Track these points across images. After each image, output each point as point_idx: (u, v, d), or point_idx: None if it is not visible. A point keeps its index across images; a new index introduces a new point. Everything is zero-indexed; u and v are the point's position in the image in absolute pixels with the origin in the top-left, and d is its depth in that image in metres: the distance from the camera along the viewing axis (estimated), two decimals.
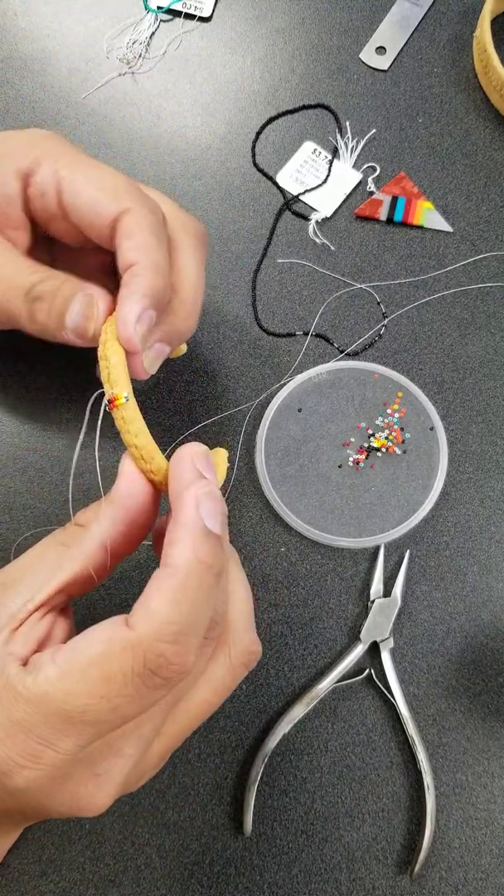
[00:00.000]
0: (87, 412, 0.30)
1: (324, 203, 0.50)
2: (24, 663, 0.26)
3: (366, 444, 0.45)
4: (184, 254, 0.36)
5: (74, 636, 0.26)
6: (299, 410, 0.46)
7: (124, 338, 0.31)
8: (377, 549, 0.44)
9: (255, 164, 0.51)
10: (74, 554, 0.28)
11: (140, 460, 0.30)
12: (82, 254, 0.38)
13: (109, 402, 0.30)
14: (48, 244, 0.39)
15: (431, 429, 0.45)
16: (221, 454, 0.33)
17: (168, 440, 0.45)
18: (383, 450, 0.45)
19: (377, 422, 0.46)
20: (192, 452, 0.28)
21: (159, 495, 0.31)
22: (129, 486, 0.29)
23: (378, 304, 0.48)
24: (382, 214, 0.49)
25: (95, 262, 0.39)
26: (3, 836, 0.34)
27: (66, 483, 0.45)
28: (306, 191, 0.50)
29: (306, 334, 0.48)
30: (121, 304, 0.32)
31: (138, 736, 0.27)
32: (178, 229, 0.36)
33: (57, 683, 0.24)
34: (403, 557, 0.43)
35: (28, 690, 0.24)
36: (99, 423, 0.30)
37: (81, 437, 0.32)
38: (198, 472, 0.27)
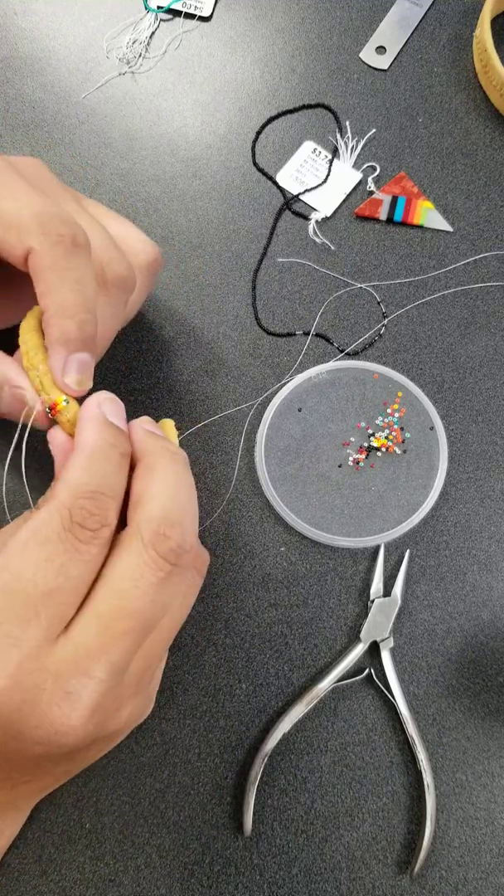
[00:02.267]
0: (11, 452, 0.32)
1: (324, 203, 0.50)
2: None
3: (366, 444, 0.45)
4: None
5: None
6: (299, 410, 0.46)
7: (62, 389, 0.32)
8: (377, 548, 0.44)
9: (255, 164, 0.51)
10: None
11: (43, 392, 0.32)
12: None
13: (50, 409, 0.32)
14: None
15: (431, 428, 0.45)
16: (168, 425, 0.34)
17: None
18: (383, 449, 0.45)
19: (377, 421, 0.46)
20: (98, 398, 0.31)
21: None
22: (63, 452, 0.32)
23: (378, 303, 0.48)
24: (382, 214, 0.49)
25: None
26: (8, 811, 0.34)
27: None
28: (306, 190, 0.50)
29: (306, 334, 0.48)
30: (49, 357, 0.32)
31: (108, 660, 0.27)
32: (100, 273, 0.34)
33: (2, 572, 0.26)
34: (403, 557, 0.43)
35: None
36: (24, 448, 0.31)
37: (7, 468, 0.33)
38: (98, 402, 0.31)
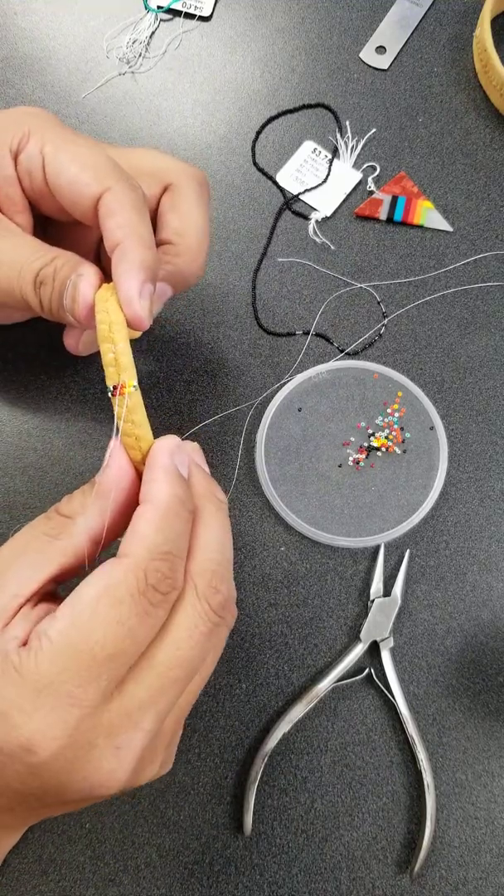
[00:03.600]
0: (115, 405, 0.30)
1: (324, 202, 0.50)
2: (24, 643, 0.26)
3: (366, 444, 0.45)
4: (186, 199, 0.37)
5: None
6: (299, 410, 0.46)
7: (131, 316, 0.31)
8: (377, 548, 0.44)
9: (255, 164, 0.51)
10: (63, 546, 0.28)
11: (135, 450, 0.30)
12: (80, 229, 0.38)
13: (115, 388, 0.30)
14: (44, 222, 0.39)
15: (431, 428, 0.45)
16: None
17: None
18: (383, 449, 0.45)
19: (377, 421, 0.46)
20: (169, 446, 0.30)
21: None
22: (120, 478, 0.30)
23: (378, 303, 0.48)
24: (382, 214, 0.49)
25: (94, 237, 0.39)
26: (11, 833, 0.34)
27: (66, 483, 0.44)
28: (306, 190, 0.50)
29: (306, 334, 0.48)
30: (119, 284, 0.31)
31: (156, 711, 0.27)
32: (178, 175, 0.37)
33: (70, 630, 0.25)
34: (403, 557, 0.43)
35: (43, 654, 0.25)
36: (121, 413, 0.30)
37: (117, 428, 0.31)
38: (172, 449, 0.30)
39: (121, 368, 0.30)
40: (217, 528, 0.30)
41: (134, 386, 0.30)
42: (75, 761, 0.26)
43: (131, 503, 0.30)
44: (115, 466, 0.30)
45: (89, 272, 0.32)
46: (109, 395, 0.30)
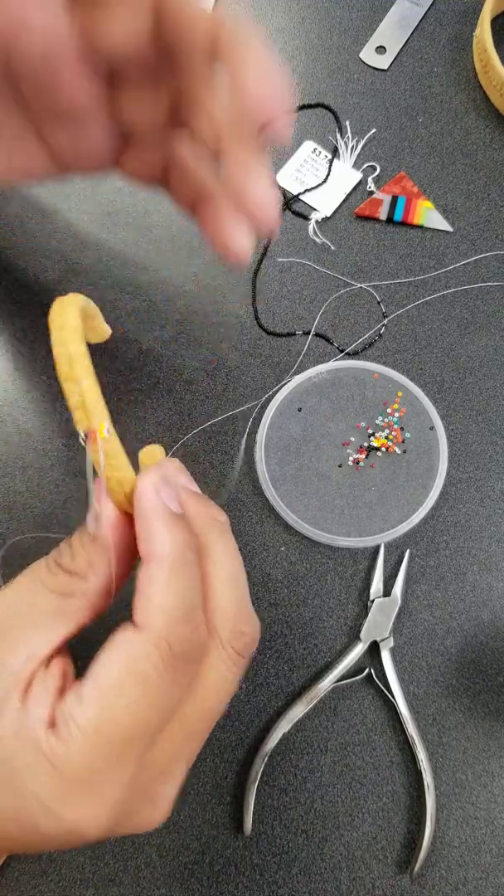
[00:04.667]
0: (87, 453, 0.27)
1: (324, 203, 0.50)
2: (52, 724, 0.24)
3: (366, 444, 0.45)
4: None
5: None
6: (299, 410, 0.46)
7: (266, 220, 0.27)
8: (377, 548, 0.44)
9: None
10: (78, 605, 0.26)
11: (118, 493, 0.27)
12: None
13: (86, 435, 0.25)
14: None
15: (431, 428, 0.45)
16: (154, 452, 0.30)
17: (169, 440, 0.45)
18: (383, 449, 0.45)
19: (377, 421, 0.46)
20: (152, 481, 0.27)
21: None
22: (116, 527, 0.28)
23: (378, 303, 0.48)
24: (382, 214, 0.49)
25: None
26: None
27: (66, 483, 0.44)
28: (306, 190, 0.50)
29: (306, 334, 0.48)
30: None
31: (186, 759, 0.27)
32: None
33: (100, 718, 0.24)
34: (403, 557, 0.43)
35: (74, 744, 0.24)
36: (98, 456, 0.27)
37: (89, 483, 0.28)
38: (157, 483, 0.27)
39: (89, 412, 0.25)
40: (227, 560, 0.28)
41: (107, 430, 0.25)
42: (118, 827, 0.26)
43: (128, 547, 0.28)
44: (107, 517, 0.27)
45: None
46: (81, 441, 0.26)
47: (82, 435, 0.26)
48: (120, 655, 0.25)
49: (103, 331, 0.33)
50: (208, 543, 0.28)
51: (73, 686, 0.25)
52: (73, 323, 0.25)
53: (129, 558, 0.28)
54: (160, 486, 0.27)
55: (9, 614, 0.26)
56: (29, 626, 0.26)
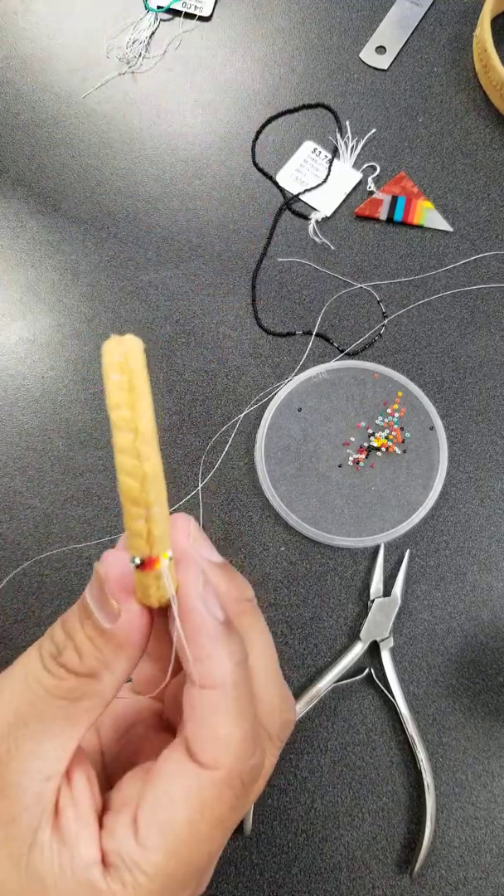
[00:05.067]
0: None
1: (324, 202, 0.50)
2: (105, 864, 0.22)
3: (366, 444, 0.45)
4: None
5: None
6: (299, 410, 0.46)
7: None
8: (377, 548, 0.44)
9: (255, 164, 0.51)
10: (88, 706, 0.23)
11: (152, 595, 0.22)
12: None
13: (143, 564, 0.21)
14: None
15: (431, 428, 0.45)
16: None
17: (168, 439, 0.45)
18: (383, 449, 0.45)
19: (377, 421, 0.46)
20: (196, 584, 0.24)
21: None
22: (141, 626, 0.23)
23: (378, 303, 0.48)
24: (382, 214, 0.49)
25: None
26: None
27: (66, 482, 0.44)
28: (306, 190, 0.50)
29: (306, 334, 0.48)
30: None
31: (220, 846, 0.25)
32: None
33: (169, 862, 0.22)
34: (403, 557, 0.43)
35: (142, 891, 0.21)
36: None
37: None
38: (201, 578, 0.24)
39: (154, 540, 0.21)
40: (266, 648, 0.26)
41: (169, 557, 0.21)
42: None
43: (145, 636, 0.24)
44: (133, 612, 0.23)
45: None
46: (133, 567, 0.21)
47: (136, 562, 0.21)
48: (187, 795, 0.22)
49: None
50: (245, 631, 0.25)
51: (118, 817, 0.22)
52: (143, 387, 0.19)
53: (148, 645, 0.24)
54: (206, 594, 0.23)
55: (9, 728, 0.22)
56: (38, 739, 0.22)
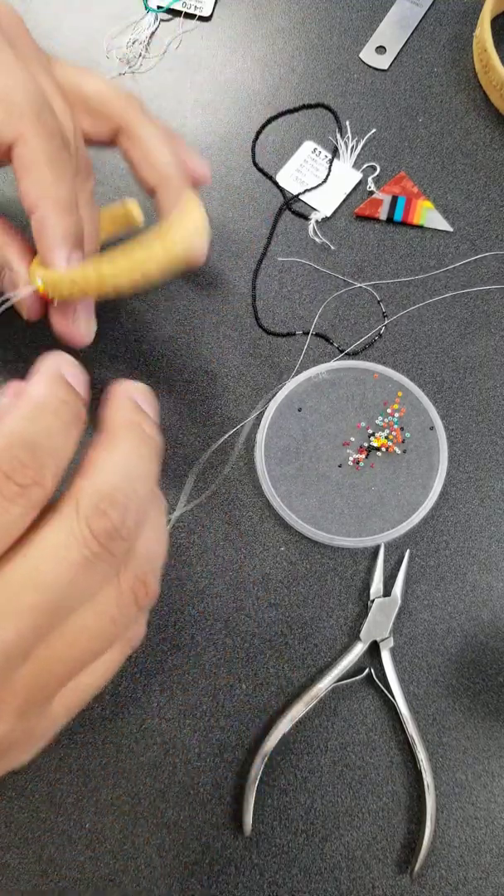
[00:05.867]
0: None
1: (324, 203, 0.50)
2: None
3: (366, 444, 0.45)
4: (142, 129, 0.34)
5: None
6: (299, 410, 0.46)
7: (67, 335, 0.30)
8: (377, 548, 0.44)
9: (254, 164, 0.51)
10: None
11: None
12: None
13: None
14: None
15: (431, 428, 0.45)
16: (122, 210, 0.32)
17: (169, 439, 0.45)
18: (383, 449, 0.45)
19: (377, 421, 0.46)
20: (59, 361, 0.26)
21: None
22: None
23: (378, 303, 0.48)
24: (382, 214, 0.49)
25: None
26: None
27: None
28: (306, 190, 0.50)
29: (306, 334, 0.48)
30: (45, 261, 0.30)
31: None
32: (126, 113, 0.34)
33: None
34: (403, 557, 0.43)
35: None
36: None
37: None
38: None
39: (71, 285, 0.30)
40: (127, 454, 0.25)
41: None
42: None
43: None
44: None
45: (11, 254, 0.30)
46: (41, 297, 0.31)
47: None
48: None
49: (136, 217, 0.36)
50: (119, 437, 0.26)
51: None
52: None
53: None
54: (64, 364, 0.26)
55: None
56: None
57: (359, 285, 0.48)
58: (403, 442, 0.45)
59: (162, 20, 0.53)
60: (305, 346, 0.47)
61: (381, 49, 0.53)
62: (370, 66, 0.53)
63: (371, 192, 0.50)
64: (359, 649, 0.42)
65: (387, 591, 0.43)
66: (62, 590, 0.23)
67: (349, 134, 0.51)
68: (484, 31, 0.50)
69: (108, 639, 0.25)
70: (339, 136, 0.51)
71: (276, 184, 0.50)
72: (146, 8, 0.53)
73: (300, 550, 0.44)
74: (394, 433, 0.45)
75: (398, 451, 0.45)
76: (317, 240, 0.49)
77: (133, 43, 0.53)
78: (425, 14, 0.54)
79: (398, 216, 0.49)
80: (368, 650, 0.42)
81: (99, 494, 0.24)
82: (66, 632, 0.24)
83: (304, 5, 0.54)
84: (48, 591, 0.23)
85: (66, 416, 0.25)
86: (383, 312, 0.48)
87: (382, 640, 0.42)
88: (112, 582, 0.25)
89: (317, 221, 0.50)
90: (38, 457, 0.23)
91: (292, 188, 0.50)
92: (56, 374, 0.25)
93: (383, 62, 0.53)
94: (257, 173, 0.51)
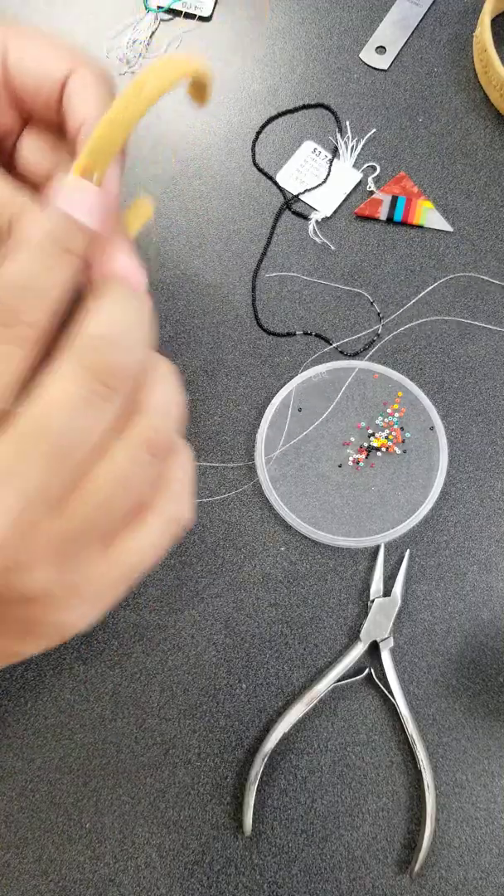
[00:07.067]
0: None
1: (324, 203, 0.50)
2: None
3: (366, 444, 0.45)
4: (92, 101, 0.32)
5: None
6: (299, 410, 0.46)
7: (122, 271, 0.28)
8: (377, 548, 0.44)
9: (255, 164, 0.51)
10: None
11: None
12: None
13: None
14: None
15: (431, 428, 0.45)
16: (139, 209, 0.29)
17: None
18: (383, 449, 0.45)
19: (377, 421, 0.46)
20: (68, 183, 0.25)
21: None
22: None
23: (371, 304, 0.48)
24: (382, 214, 0.49)
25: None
26: None
27: None
28: (306, 190, 0.50)
29: (306, 334, 0.48)
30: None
31: (20, 485, 0.23)
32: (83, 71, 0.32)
33: None
34: (403, 557, 0.43)
35: None
36: None
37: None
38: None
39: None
40: (115, 301, 0.25)
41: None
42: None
43: None
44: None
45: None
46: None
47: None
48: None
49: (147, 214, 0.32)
50: (113, 289, 0.26)
51: None
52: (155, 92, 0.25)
53: None
54: (73, 190, 0.25)
55: None
56: None
57: (358, 286, 0.48)
58: (403, 442, 0.45)
59: (162, 20, 0.53)
60: (305, 347, 0.47)
61: (381, 49, 0.53)
62: (370, 67, 0.53)
63: (371, 192, 0.50)
64: (359, 649, 0.42)
65: (387, 591, 0.43)
66: (71, 434, 0.23)
67: (349, 134, 0.51)
68: (484, 31, 0.50)
69: (129, 491, 0.25)
70: (339, 136, 0.51)
71: (276, 184, 0.50)
72: (146, 8, 0.53)
73: (300, 550, 0.44)
74: (394, 433, 0.45)
75: (398, 451, 0.45)
76: (317, 240, 0.49)
77: (133, 43, 0.53)
78: (425, 14, 0.54)
79: (398, 216, 0.49)
80: (368, 650, 0.42)
81: (90, 335, 0.24)
82: (86, 482, 0.24)
83: (304, 5, 0.54)
84: (58, 436, 0.23)
85: (67, 258, 0.25)
86: (377, 314, 0.48)
87: (382, 641, 0.42)
88: (123, 431, 0.25)
89: (317, 221, 0.50)
90: (25, 297, 0.23)
91: (292, 188, 0.50)
92: (56, 211, 0.24)
93: (383, 62, 0.53)
94: (257, 173, 0.51)
